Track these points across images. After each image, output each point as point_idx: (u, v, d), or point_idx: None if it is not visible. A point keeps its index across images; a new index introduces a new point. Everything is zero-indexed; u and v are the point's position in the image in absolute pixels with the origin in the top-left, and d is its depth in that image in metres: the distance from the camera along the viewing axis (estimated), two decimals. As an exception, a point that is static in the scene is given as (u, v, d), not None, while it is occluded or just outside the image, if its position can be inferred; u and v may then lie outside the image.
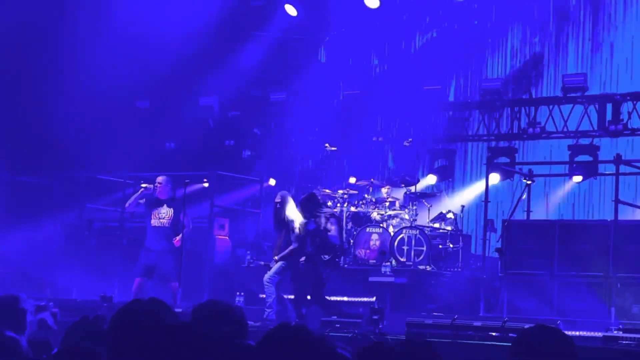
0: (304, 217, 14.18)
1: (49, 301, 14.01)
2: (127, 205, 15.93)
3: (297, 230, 14.10)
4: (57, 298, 16.28)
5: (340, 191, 18.29)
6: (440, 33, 20.62)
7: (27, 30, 19.92)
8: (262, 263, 15.11)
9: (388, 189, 18.22)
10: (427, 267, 16.76)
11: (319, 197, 14.66)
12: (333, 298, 15.26)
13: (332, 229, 14.21)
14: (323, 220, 14.19)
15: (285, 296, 14.43)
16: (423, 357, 3.99)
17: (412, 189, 18.31)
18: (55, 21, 20.33)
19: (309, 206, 14.26)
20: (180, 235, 15.12)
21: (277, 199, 14.47)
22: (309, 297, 14.34)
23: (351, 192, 18.34)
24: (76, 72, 20.49)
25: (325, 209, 14.46)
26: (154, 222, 15.36)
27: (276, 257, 14.34)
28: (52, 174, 20.38)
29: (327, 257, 14.24)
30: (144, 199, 15.62)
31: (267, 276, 14.15)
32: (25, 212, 19.98)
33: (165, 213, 15.36)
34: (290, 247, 14.20)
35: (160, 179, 15.57)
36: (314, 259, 14.15)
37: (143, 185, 15.71)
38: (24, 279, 18.32)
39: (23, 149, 20.31)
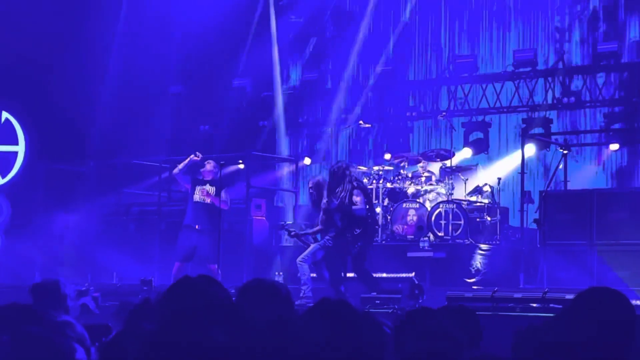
0: (332, 190, 14.09)
1: (90, 286, 14.18)
2: (175, 171, 16.03)
3: (324, 215, 14.12)
4: (97, 283, 16.43)
5: (376, 167, 18.29)
6: (471, 3, 20.50)
7: (61, 17, 20.03)
8: (293, 232, 15.05)
9: (423, 163, 18.19)
10: (466, 240, 16.75)
11: (346, 169, 14.44)
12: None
13: (358, 200, 14.08)
14: (346, 194, 14.03)
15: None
16: (462, 318, 3.98)
17: (448, 162, 18.25)
18: (88, 8, 20.43)
19: (334, 179, 14.18)
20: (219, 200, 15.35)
21: (310, 185, 14.47)
22: (351, 275, 14.31)
23: (386, 168, 18.34)
24: (110, 59, 20.61)
25: (347, 184, 14.22)
26: (197, 197, 15.52)
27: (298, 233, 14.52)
28: (89, 160, 20.51)
29: (358, 230, 14.11)
30: (190, 175, 15.79)
31: (300, 257, 14.17)
32: (63, 199, 20.14)
33: (208, 191, 15.55)
34: (315, 229, 14.33)
35: (210, 161, 15.81)
36: (343, 235, 14.07)
37: (187, 159, 15.87)
38: (64, 264, 18.50)
39: (60, 137, 20.45)
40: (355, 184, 14.18)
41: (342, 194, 13.99)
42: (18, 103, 19.85)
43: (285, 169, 21.19)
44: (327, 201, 14.00)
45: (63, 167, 20.72)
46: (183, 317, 3.01)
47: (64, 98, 20.02)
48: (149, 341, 3.03)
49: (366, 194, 14.42)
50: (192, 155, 15.87)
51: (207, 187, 15.61)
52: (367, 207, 14.17)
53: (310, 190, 14.40)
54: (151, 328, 3.46)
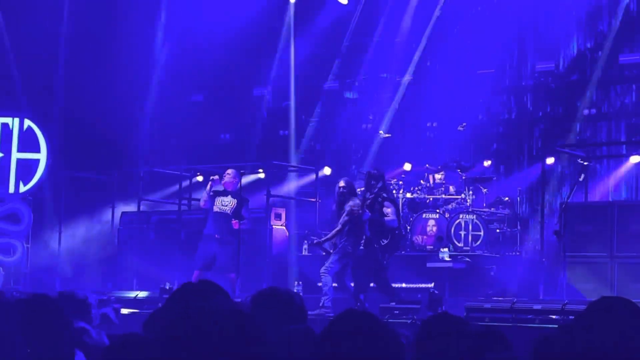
0: (364, 198, 14.10)
1: (111, 295, 14.20)
2: (202, 203, 15.98)
3: (346, 217, 14.10)
4: (117, 291, 16.46)
5: (395, 179, 18.29)
6: (492, 15, 20.45)
7: (84, 30, 20.14)
8: (315, 240, 15.05)
9: (443, 174, 18.17)
10: (485, 251, 16.72)
11: (381, 178, 14.47)
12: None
13: (389, 211, 14.13)
14: (379, 205, 14.09)
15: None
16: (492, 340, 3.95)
17: (468, 173, 18.23)
18: (111, 20, 20.53)
19: (370, 181, 14.18)
20: (239, 223, 15.26)
21: (342, 184, 14.37)
22: (371, 284, 14.33)
23: (405, 176, 18.37)
24: (131, 69, 20.69)
25: (380, 194, 14.26)
26: (217, 208, 15.49)
27: (322, 241, 14.48)
28: (110, 169, 20.58)
29: (385, 241, 14.13)
30: (212, 192, 15.78)
31: (323, 267, 14.18)
32: (84, 207, 20.21)
33: (228, 201, 15.49)
34: (333, 231, 14.27)
35: (230, 170, 15.74)
36: (371, 245, 14.10)
37: (212, 177, 15.88)
38: (84, 273, 18.55)
39: (81, 145, 20.55)
40: (385, 195, 14.27)
41: (375, 204, 14.02)
42: (40, 111, 19.94)
43: (306, 179, 21.18)
44: (356, 208, 13.99)
45: (84, 175, 20.81)
46: (184, 324, 3.00)
47: (86, 106, 20.12)
48: (148, 349, 3.04)
49: (396, 205, 14.51)
50: (210, 182, 15.85)
51: (228, 198, 15.56)
52: (397, 218, 14.26)
53: (342, 190, 14.27)
54: (152, 337, 3.47)
